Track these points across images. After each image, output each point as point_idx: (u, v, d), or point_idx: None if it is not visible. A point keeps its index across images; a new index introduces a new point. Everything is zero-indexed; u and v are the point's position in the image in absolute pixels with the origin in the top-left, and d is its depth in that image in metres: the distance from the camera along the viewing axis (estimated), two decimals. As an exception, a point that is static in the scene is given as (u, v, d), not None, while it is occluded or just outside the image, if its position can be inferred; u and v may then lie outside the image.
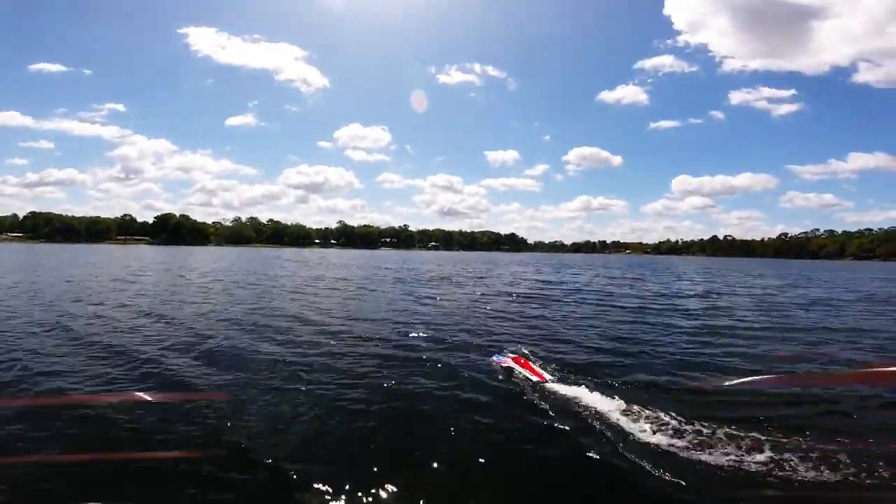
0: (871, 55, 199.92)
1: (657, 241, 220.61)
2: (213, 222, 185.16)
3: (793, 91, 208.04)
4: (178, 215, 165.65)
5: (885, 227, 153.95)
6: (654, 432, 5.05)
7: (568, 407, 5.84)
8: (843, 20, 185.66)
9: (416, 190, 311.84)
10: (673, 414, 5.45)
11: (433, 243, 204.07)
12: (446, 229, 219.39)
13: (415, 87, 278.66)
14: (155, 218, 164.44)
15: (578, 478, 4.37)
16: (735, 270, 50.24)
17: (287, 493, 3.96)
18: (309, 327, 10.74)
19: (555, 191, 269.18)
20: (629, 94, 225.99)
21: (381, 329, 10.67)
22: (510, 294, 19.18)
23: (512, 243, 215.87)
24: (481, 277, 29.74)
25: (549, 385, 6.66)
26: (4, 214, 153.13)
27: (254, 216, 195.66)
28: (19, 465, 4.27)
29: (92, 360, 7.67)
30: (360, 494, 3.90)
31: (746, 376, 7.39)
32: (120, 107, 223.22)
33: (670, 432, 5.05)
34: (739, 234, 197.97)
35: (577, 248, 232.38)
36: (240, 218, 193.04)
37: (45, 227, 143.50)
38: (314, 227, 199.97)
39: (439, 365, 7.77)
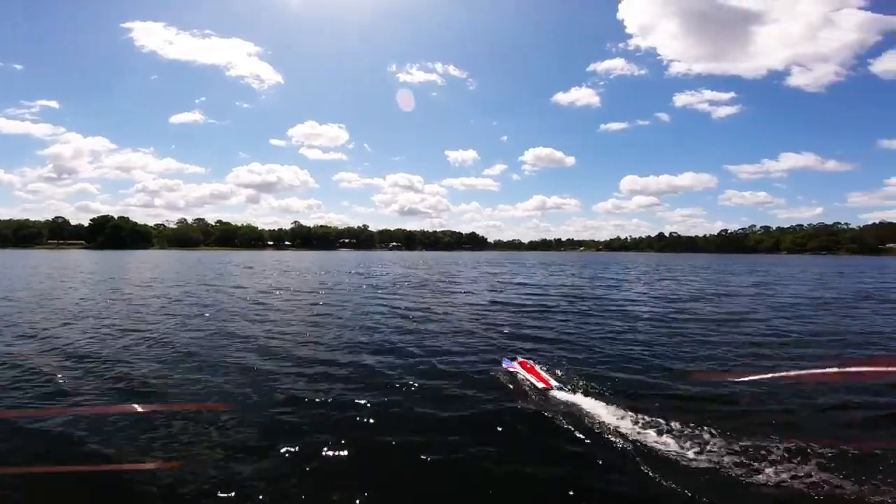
0: (804, 60, 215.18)
1: (608, 239, 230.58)
2: (156, 224, 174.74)
3: (732, 94, 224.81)
4: (116, 217, 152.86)
5: (814, 223, 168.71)
6: (665, 442, 4.92)
7: (570, 413, 5.79)
8: (780, 25, 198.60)
9: (375, 189, 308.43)
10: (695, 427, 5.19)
11: (394, 243, 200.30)
12: (407, 229, 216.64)
13: (374, 85, 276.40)
14: (91, 220, 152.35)
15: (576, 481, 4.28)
16: (700, 268, 51.34)
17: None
18: (281, 361, 8.02)
19: (512, 190, 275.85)
20: (582, 95, 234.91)
21: (380, 360, 8.09)
22: (505, 304, 16.91)
23: (474, 242, 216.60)
24: (460, 282, 27.42)
25: (554, 392, 6.56)
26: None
27: (201, 217, 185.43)
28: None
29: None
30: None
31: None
32: (53, 103, 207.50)
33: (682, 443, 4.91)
34: (683, 230, 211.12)
35: (535, 246, 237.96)
36: (185, 219, 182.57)
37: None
38: (267, 227, 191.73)
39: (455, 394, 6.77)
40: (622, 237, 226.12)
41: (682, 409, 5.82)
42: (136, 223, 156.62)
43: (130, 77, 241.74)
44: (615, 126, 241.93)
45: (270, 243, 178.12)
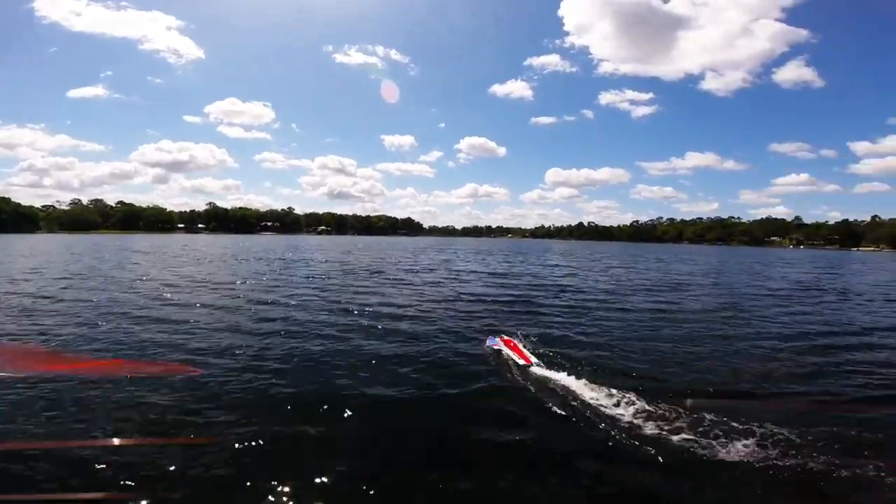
0: (718, 66, 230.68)
1: (534, 227, 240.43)
2: (44, 206, 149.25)
3: (651, 94, 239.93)
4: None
5: (712, 217, 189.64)
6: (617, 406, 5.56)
7: (546, 387, 6.30)
8: (704, 31, 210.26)
9: (302, 171, 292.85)
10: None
11: (323, 227, 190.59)
12: (338, 213, 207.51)
13: (308, 64, 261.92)
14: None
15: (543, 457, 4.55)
16: (627, 255, 54.27)
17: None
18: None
19: (447, 177, 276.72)
20: (517, 88, 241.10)
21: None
22: (478, 296, 15.39)
23: (409, 228, 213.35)
24: (416, 271, 25.38)
25: (534, 369, 7.02)
26: None
27: (99, 198, 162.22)
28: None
29: None
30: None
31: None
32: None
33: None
34: (599, 220, 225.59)
35: (468, 232, 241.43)
36: (79, 200, 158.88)
37: None
38: (178, 209, 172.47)
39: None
40: (546, 226, 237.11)
41: (653, 387, 6.37)
42: (19, 204, 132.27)
43: (23, 49, 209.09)
44: (545, 120, 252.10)
45: (181, 226, 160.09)
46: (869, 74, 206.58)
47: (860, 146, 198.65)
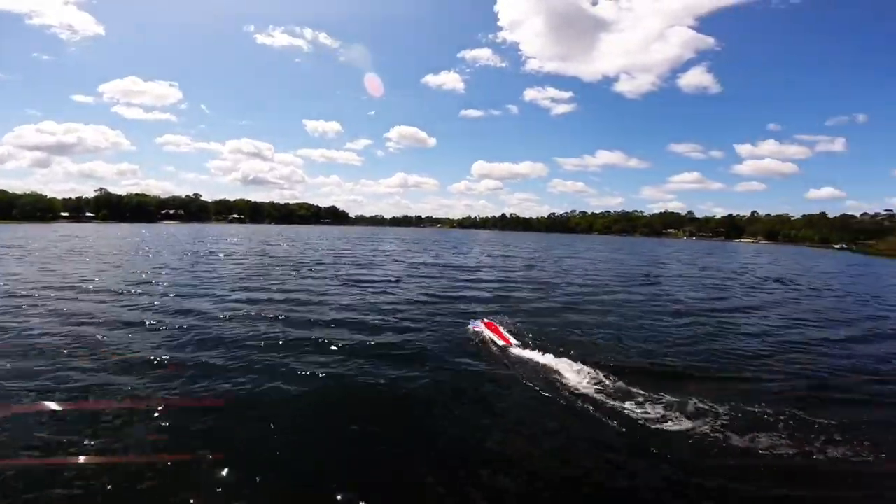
0: (632, 69, 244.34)
1: (461, 217, 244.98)
2: None
3: (570, 93, 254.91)
4: None
5: (617, 210, 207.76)
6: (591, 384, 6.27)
7: (524, 366, 7.04)
8: (624, 35, 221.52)
9: (211, 154, 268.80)
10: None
11: (235, 215, 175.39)
12: (252, 200, 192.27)
13: (225, 44, 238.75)
14: None
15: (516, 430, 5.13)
16: (562, 245, 57.04)
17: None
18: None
19: (375, 166, 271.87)
20: (450, 80, 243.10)
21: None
22: (443, 298, 14.68)
23: (334, 216, 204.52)
24: (361, 265, 23.54)
25: (513, 349, 7.66)
26: None
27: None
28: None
29: None
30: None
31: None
32: None
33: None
34: (519, 212, 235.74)
35: (397, 222, 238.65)
36: None
37: None
38: (61, 196, 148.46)
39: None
40: (472, 216, 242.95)
41: (624, 366, 7.22)
42: None
43: None
44: (474, 113, 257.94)
45: (65, 214, 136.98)
46: (758, 83, 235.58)
47: (743, 148, 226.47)
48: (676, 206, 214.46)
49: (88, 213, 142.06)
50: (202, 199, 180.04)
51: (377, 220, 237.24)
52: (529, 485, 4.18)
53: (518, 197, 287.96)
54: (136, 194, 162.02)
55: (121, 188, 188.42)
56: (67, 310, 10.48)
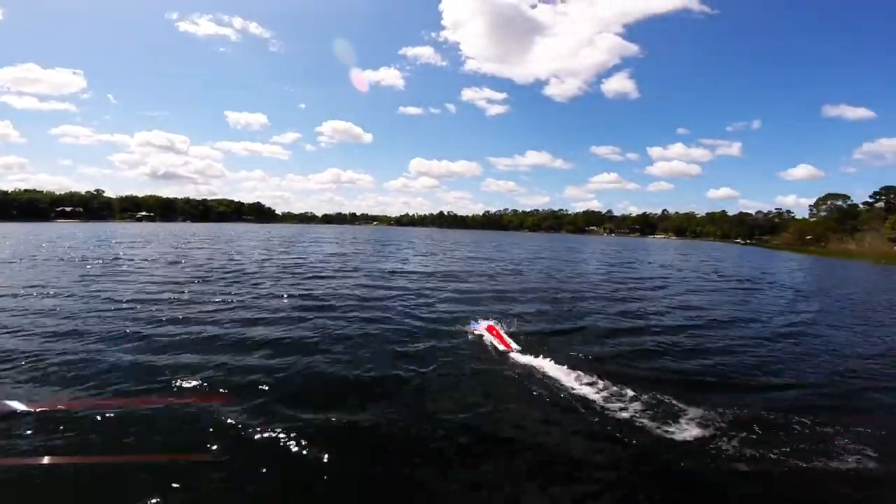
0: (562, 73, 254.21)
1: (398, 215, 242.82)
2: None
3: (505, 95, 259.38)
4: None
5: (545, 209, 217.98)
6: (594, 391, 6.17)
7: (524, 371, 6.98)
8: (557, 39, 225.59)
9: (116, 147, 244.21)
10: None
11: (143, 213, 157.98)
12: (163, 195, 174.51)
13: (141, 31, 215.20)
14: None
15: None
16: (504, 243, 58.10)
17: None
18: None
19: (305, 161, 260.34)
20: (389, 76, 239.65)
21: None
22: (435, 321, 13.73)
23: (258, 214, 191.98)
24: (311, 276, 19.00)
25: (514, 354, 7.60)
26: None
27: None
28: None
29: None
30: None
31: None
32: None
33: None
34: (455, 210, 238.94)
35: (329, 219, 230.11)
36: None
37: None
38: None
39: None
40: (409, 214, 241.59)
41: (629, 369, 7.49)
42: None
43: None
44: (412, 110, 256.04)
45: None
46: (672, 89, 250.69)
47: (655, 151, 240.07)
48: (596, 206, 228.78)
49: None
50: (105, 195, 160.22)
51: (307, 218, 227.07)
52: (526, 492, 4.20)
53: (454, 195, 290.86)
54: (26, 190, 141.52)
55: (7, 183, 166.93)
56: None
